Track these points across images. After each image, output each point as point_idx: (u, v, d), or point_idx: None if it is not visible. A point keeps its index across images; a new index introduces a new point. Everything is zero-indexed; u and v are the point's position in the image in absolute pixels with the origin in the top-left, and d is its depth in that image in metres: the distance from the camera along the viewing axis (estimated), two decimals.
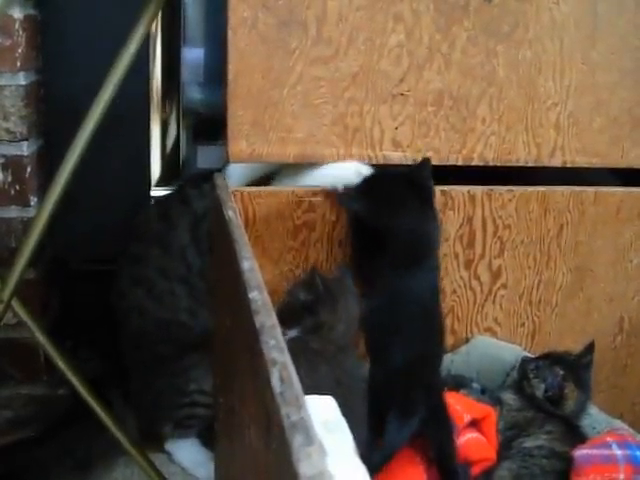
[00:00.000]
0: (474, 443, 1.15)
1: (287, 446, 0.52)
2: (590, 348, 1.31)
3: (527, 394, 1.25)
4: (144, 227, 1.45)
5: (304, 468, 0.49)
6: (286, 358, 0.61)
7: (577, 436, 1.20)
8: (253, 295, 0.72)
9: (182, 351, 1.39)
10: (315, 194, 1.25)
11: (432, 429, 1.10)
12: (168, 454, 1.48)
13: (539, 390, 1.24)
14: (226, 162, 1.23)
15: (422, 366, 1.13)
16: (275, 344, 0.63)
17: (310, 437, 0.52)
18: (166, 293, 1.40)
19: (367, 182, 1.21)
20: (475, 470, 1.14)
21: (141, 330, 1.43)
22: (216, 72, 1.39)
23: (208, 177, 1.25)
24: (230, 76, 1.17)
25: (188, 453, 1.47)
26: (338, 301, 1.14)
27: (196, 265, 1.37)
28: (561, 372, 1.24)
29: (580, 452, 1.11)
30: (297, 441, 0.51)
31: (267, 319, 0.67)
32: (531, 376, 1.25)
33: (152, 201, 1.75)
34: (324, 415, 0.63)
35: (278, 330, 0.66)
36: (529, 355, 1.38)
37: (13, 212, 1.49)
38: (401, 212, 1.18)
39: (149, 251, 1.42)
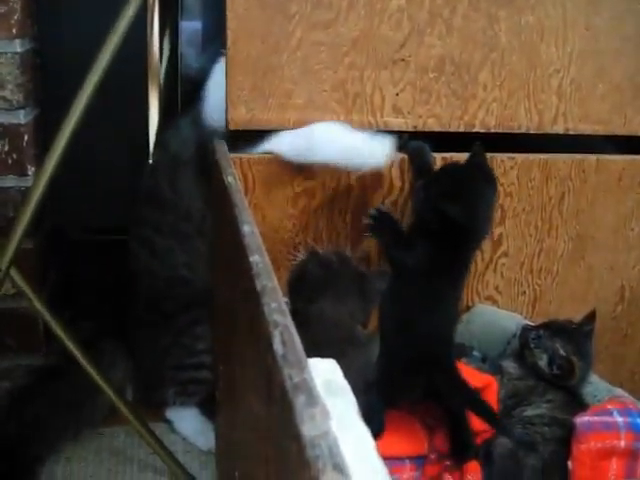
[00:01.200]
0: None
1: (289, 408, 0.51)
2: (591, 317, 1.30)
3: (529, 363, 1.25)
4: (140, 187, 1.47)
5: (307, 429, 0.49)
6: (287, 320, 0.60)
7: (578, 404, 1.20)
8: (254, 258, 0.71)
9: (187, 307, 1.40)
10: None
11: (447, 398, 1.10)
12: (169, 422, 1.49)
13: (541, 360, 1.23)
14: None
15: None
16: (276, 307, 0.62)
17: (313, 398, 0.51)
18: (164, 250, 1.41)
19: (444, 180, 1.16)
20: (477, 440, 1.14)
21: (150, 290, 1.44)
22: (215, 42, 1.37)
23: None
24: (229, 42, 1.15)
25: (189, 422, 1.47)
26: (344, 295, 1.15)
27: (181, 210, 1.37)
28: (563, 344, 1.23)
29: (581, 419, 1.11)
30: (300, 402, 0.51)
31: (268, 282, 0.67)
32: (532, 345, 1.25)
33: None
34: (327, 377, 0.63)
35: (279, 293, 0.65)
36: (530, 323, 1.38)
37: (10, 181, 1.48)
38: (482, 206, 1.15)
39: (143, 210, 1.44)
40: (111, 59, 1.13)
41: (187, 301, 1.37)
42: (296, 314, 1.03)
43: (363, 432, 0.56)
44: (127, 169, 1.66)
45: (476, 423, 1.14)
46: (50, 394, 1.40)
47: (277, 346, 0.57)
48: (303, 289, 1.14)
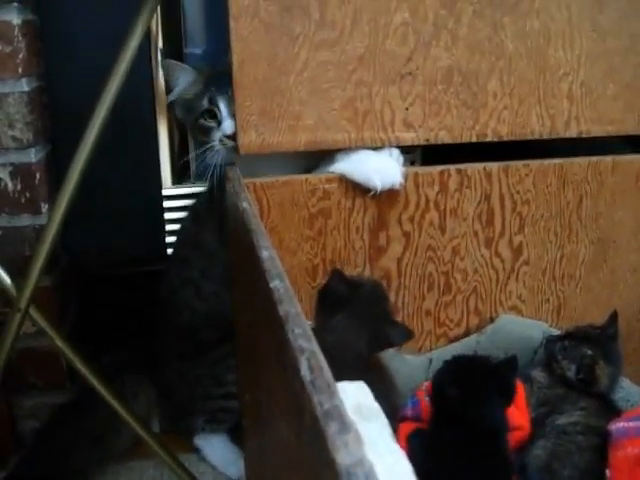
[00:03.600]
0: (509, 411, 1.13)
1: (321, 436, 0.50)
2: (613, 318, 1.29)
3: (557, 375, 1.23)
4: (182, 230, 1.54)
5: (341, 457, 0.47)
6: (314, 346, 0.59)
7: (611, 410, 1.18)
8: (275, 284, 0.70)
9: (224, 338, 1.40)
10: (329, 181, 1.23)
11: None
12: (197, 451, 1.47)
13: (570, 371, 1.22)
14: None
15: None
16: (301, 332, 0.61)
17: (345, 425, 0.50)
18: (210, 293, 1.43)
19: (453, 370, 1.13)
20: (509, 439, 1.12)
21: (187, 323, 1.46)
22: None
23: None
24: (235, 66, 1.15)
25: (218, 449, 1.47)
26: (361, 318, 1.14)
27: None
28: (589, 352, 1.22)
29: (616, 426, 1.09)
30: (332, 429, 0.49)
31: (291, 307, 0.65)
32: (559, 357, 1.24)
33: (163, 201, 1.74)
34: (356, 400, 0.61)
35: (303, 318, 0.64)
36: (554, 332, 1.36)
37: (25, 220, 1.48)
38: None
39: (190, 254, 1.47)
40: (118, 91, 1.13)
41: (224, 334, 1.37)
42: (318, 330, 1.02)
43: (399, 457, 0.54)
44: (141, 200, 1.66)
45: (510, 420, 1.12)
46: (74, 429, 1.39)
47: (304, 372, 0.56)
48: (325, 304, 1.12)
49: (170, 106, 1.33)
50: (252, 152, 1.19)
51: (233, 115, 1.23)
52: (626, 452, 1.05)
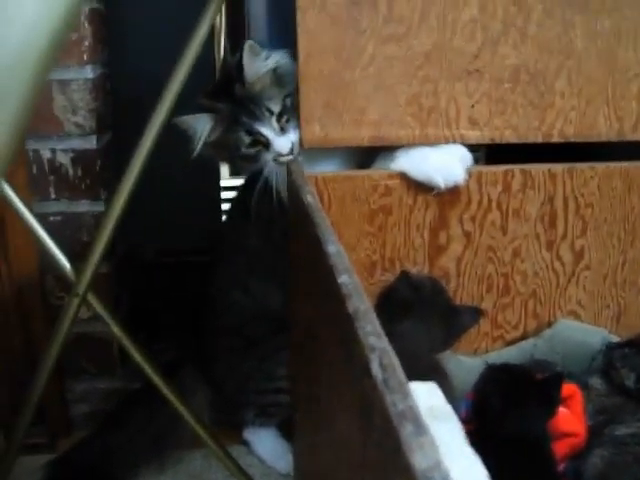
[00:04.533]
0: (563, 417, 1.11)
1: (395, 437, 0.49)
2: None
3: (616, 383, 1.21)
4: (224, 231, 1.54)
5: (417, 460, 0.46)
6: (385, 344, 0.58)
7: None
8: (343, 279, 0.69)
9: (273, 333, 1.40)
10: (391, 177, 1.22)
11: None
12: (246, 444, 1.48)
13: (629, 380, 1.19)
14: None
15: None
16: (372, 329, 0.60)
17: (420, 427, 0.49)
18: (258, 291, 1.43)
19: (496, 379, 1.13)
20: (562, 445, 1.11)
21: (237, 318, 1.46)
22: None
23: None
24: (301, 58, 1.14)
25: (267, 443, 1.47)
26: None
27: (277, 262, 1.36)
28: None
29: None
30: (407, 431, 0.48)
31: (360, 303, 0.64)
32: (619, 365, 1.21)
33: (221, 192, 1.75)
34: (428, 401, 0.60)
35: (373, 315, 0.63)
36: (613, 339, 1.33)
37: (84, 206, 1.49)
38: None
39: (234, 254, 1.48)
40: (181, 83, 1.13)
41: (274, 328, 1.37)
42: None
43: (473, 460, 0.53)
44: (200, 191, 1.66)
45: (563, 425, 1.11)
46: (133, 423, 1.41)
47: (376, 371, 0.55)
48: (388, 308, 1.11)
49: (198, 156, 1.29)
50: (315, 146, 1.18)
51: (282, 131, 1.23)
52: None
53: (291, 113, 1.24)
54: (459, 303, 1.28)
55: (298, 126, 1.20)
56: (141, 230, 1.65)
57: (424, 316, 1.13)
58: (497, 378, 1.10)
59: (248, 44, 1.22)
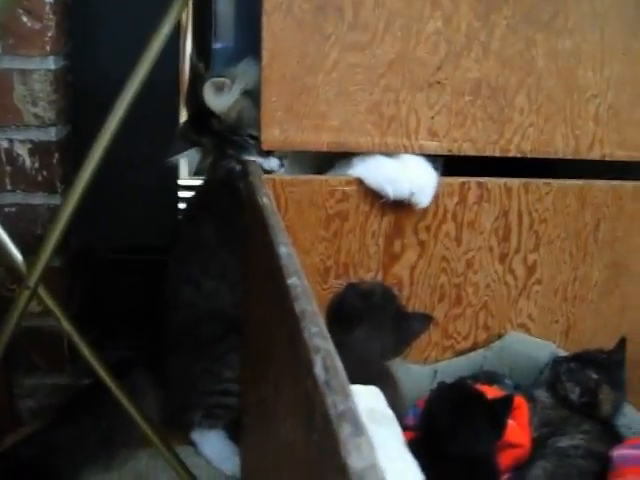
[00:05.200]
0: (509, 428, 1.12)
1: (333, 437, 0.49)
2: (622, 344, 1.28)
3: (561, 396, 1.23)
4: (179, 229, 1.54)
5: (353, 461, 0.47)
6: (329, 345, 0.59)
7: (614, 436, 1.18)
8: (292, 281, 0.70)
9: (224, 334, 1.40)
10: (349, 183, 1.23)
11: None
12: (193, 445, 1.47)
13: (573, 393, 1.21)
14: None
15: None
16: (318, 331, 0.60)
17: (359, 428, 0.49)
18: (211, 290, 1.43)
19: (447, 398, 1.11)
20: (507, 456, 1.12)
21: (189, 318, 1.45)
22: None
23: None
24: (264, 61, 1.15)
25: (214, 445, 1.47)
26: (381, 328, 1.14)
27: (231, 262, 1.37)
28: (594, 376, 1.21)
29: (618, 452, 1.08)
30: (345, 432, 0.49)
31: (308, 305, 0.65)
32: (564, 378, 1.23)
33: (179, 191, 1.74)
34: (369, 404, 0.60)
35: (320, 317, 0.63)
36: (562, 353, 1.35)
37: (40, 199, 1.48)
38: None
39: (189, 252, 1.47)
40: (143, 78, 1.12)
41: (225, 329, 1.37)
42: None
43: (410, 464, 0.54)
44: (156, 189, 1.66)
45: (508, 436, 1.11)
46: (82, 420, 1.39)
47: (319, 372, 0.56)
48: (339, 318, 1.12)
49: None
50: (274, 148, 1.19)
51: (267, 153, 1.24)
52: None
53: None
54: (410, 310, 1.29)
55: None
56: (96, 226, 1.63)
57: (375, 323, 1.13)
58: (448, 396, 1.11)
59: (208, 84, 1.24)
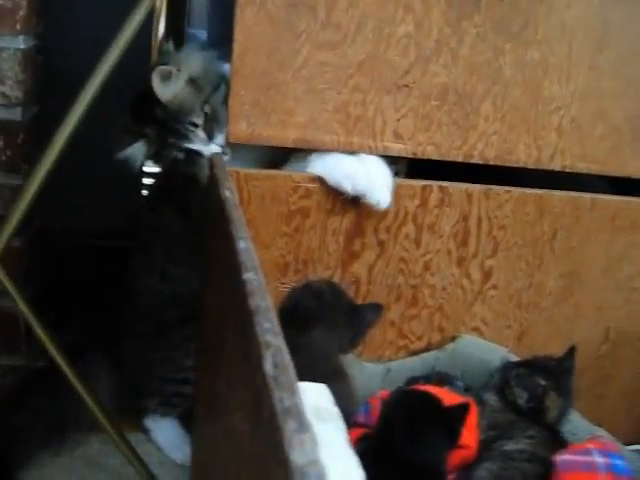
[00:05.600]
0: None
1: (278, 433, 0.50)
2: (571, 352, 1.30)
3: (509, 401, 1.25)
4: (141, 218, 1.51)
5: (296, 456, 0.48)
6: (280, 342, 0.60)
7: (558, 442, 1.20)
8: (248, 276, 0.71)
9: (186, 322, 1.39)
10: (312, 180, 1.24)
11: None
12: (146, 432, 1.47)
13: (521, 398, 1.23)
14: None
15: None
16: (270, 327, 0.61)
17: (303, 424, 0.50)
18: (177, 277, 1.42)
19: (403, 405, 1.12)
20: (454, 456, 1.13)
21: (151, 304, 1.45)
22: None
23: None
24: (235, 55, 1.15)
25: (167, 433, 1.47)
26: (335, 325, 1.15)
27: (196, 249, 1.36)
28: (542, 382, 1.23)
29: (561, 458, 1.10)
30: (289, 427, 0.50)
31: (262, 301, 0.66)
32: (513, 383, 1.25)
33: (143, 178, 1.73)
34: (316, 402, 0.62)
35: (273, 313, 0.64)
36: (513, 358, 1.37)
37: (2, 178, 1.46)
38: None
39: (152, 240, 1.46)
40: (115, 63, 1.12)
41: (187, 317, 1.37)
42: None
43: (352, 462, 0.55)
44: (119, 175, 1.64)
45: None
46: (34, 403, 1.38)
47: (268, 368, 0.57)
48: (294, 319, 1.13)
49: None
50: (241, 141, 1.19)
51: (209, 138, 1.26)
52: None
53: (213, 118, 1.26)
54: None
55: (224, 125, 1.22)
56: (58, 209, 1.62)
57: (330, 321, 1.15)
58: (405, 402, 1.12)
59: (156, 72, 1.24)
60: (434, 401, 1.13)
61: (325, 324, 1.14)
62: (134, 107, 1.34)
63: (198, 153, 1.27)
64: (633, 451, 1.33)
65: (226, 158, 1.26)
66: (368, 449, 1.08)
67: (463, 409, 1.11)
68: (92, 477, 1.37)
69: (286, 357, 0.58)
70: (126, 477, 1.37)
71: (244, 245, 0.77)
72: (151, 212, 1.47)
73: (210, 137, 1.26)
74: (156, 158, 1.33)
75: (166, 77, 1.25)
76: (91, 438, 1.44)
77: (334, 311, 1.16)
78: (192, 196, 1.32)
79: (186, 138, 1.26)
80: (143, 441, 1.46)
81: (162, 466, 1.41)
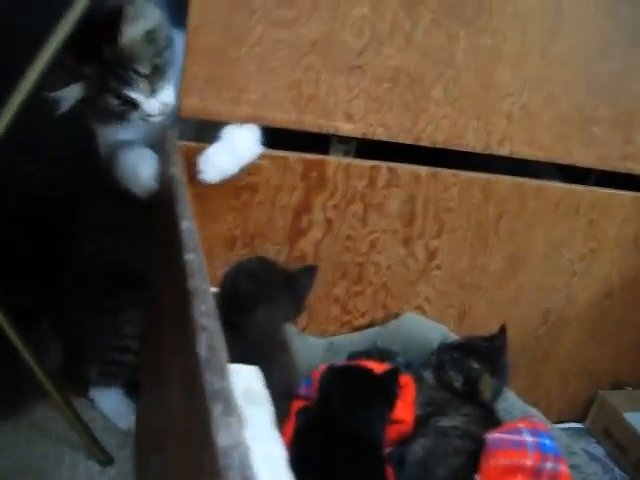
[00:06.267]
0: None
1: (207, 414, 0.52)
2: (502, 331, 1.33)
3: (444, 382, 1.28)
4: (85, 183, 1.48)
5: (222, 438, 0.50)
6: (215, 325, 0.61)
7: (492, 420, 1.24)
8: (189, 257, 0.72)
9: (122, 290, 1.39)
10: (263, 157, 1.24)
11: None
12: (92, 400, 1.48)
13: (457, 381, 1.27)
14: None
15: None
16: (206, 310, 0.63)
17: (230, 407, 0.52)
18: (111, 247, 1.39)
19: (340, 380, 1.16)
20: (391, 431, 1.16)
21: (86, 270, 1.44)
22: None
23: None
24: (189, 29, 1.14)
25: (111, 401, 1.47)
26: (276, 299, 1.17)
27: (131, 219, 1.35)
28: (476, 365, 1.26)
29: (492, 435, 1.14)
30: (217, 410, 0.52)
31: (201, 283, 0.67)
32: (447, 367, 1.28)
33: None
34: (247, 384, 0.64)
35: (210, 296, 0.66)
36: (452, 337, 1.41)
37: None
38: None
39: (90, 207, 1.44)
40: (69, 30, 1.11)
41: (124, 285, 1.37)
42: (230, 325, 1.05)
43: (277, 444, 0.57)
44: (66, 138, 1.63)
45: (395, 413, 1.17)
46: None
47: (202, 350, 0.58)
48: (235, 305, 1.14)
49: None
50: (193, 116, 1.19)
51: (152, 92, 1.21)
52: (497, 461, 1.11)
53: (161, 73, 1.23)
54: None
55: (170, 86, 1.21)
56: (7, 173, 1.61)
57: (269, 297, 1.16)
58: (338, 379, 1.15)
59: (130, 10, 1.19)
60: (366, 371, 1.17)
61: (266, 302, 1.15)
62: (80, 41, 1.28)
63: (134, 104, 1.23)
64: (564, 429, 1.38)
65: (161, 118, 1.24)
66: (309, 425, 1.12)
67: (393, 372, 1.15)
68: (36, 442, 1.37)
69: (220, 340, 0.59)
70: (70, 442, 1.38)
71: (187, 225, 0.79)
72: (91, 178, 1.45)
73: (153, 91, 1.22)
74: (88, 104, 1.28)
75: (134, 18, 1.21)
76: (36, 403, 1.45)
77: (271, 286, 1.17)
78: None
79: (128, 85, 1.19)
80: (88, 407, 1.46)
81: (106, 432, 1.42)
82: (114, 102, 1.21)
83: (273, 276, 1.19)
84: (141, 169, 1.21)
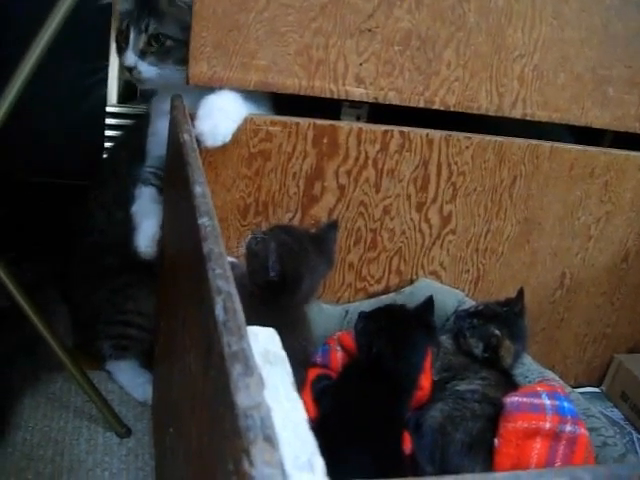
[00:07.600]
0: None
1: (226, 375, 0.52)
2: (520, 295, 1.33)
3: (464, 350, 1.28)
4: (109, 152, 1.54)
5: (241, 399, 0.49)
6: (231, 288, 0.61)
7: (510, 384, 1.23)
8: (203, 221, 0.71)
9: (125, 267, 1.40)
10: (273, 123, 1.23)
11: None
12: (108, 373, 1.48)
13: (477, 348, 1.26)
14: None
15: None
16: (221, 273, 0.63)
17: (249, 368, 0.52)
18: (121, 220, 1.38)
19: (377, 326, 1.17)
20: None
21: (98, 246, 1.45)
22: None
23: None
24: None
25: (127, 374, 1.48)
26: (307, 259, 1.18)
27: None
28: (496, 332, 1.26)
29: (511, 399, 1.14)
30: (236, 371, 0.52)
31: (215, 246, 0.67)
32: (467, 334, 1.28)
33: (106, 118, 1.72)
34: (265, 345, 0.63)
35: (226, 258, 0.65)
36: (468, 303, 1.40)
37: None
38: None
39: (108, 177, 1.47)
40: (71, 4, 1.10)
41: (127, 263, 1.37)
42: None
43: (296, 404, 0.57)
44: (83, 115, 1.63)
45: None
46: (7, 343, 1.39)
47: (219, 312, 0.58)
48: (283, 287, 1.14)
49: None
50: (201, 83, 1.18)
51: (142, 54, 1.23)
52: (516, 425, 1.10)
53: (159, 50, 1.24)
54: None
55: (154, 68, 1.24)
56: (18, 148, 1.60)
57: (309, 267, 1.17)
58: (376, 318, 1.17)
59: None
60: (399, 309, 1.18)
61: (309, 274, 1.16)
62: None
63: (124, 46, 1.25)
64: (581, 394, 1.38)
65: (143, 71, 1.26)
66: (348, 374, 1.15)
67: (427, 302, 1.21)
68: (55, 415, 1.38)
69: (236, 302, 0.59)
70: (88, 415, 1.38)
71: (200, 190, 0.78)
72: (117, 148, 1.47)
73: (142, 52, 1.23)
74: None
75: None
76: (54, 376, 1.45)
77: (307, 256, 1.17)
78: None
79: (138, 28, 1.24)
80: (105, 379, 1.47)
81: (124, 404, 1.43)
82: (122, 27, 1.25)
83: (304, 244, 1.18)
84: (140, 230, 1.24)
